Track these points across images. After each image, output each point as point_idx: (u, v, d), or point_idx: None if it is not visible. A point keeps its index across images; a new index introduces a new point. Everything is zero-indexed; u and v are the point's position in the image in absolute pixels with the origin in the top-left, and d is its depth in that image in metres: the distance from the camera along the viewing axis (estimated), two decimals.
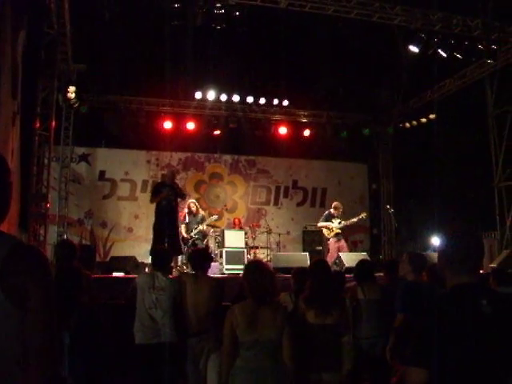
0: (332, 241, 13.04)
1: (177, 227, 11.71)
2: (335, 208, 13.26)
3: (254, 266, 4.84)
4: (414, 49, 12.40)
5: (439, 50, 12.19)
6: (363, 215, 13.33)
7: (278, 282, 4.95)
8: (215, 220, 13.41)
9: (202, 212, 12.69)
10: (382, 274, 8.38)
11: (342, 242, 13.08)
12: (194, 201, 12.79)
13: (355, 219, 13.29)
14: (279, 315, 4.51)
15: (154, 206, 11.74)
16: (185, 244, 12.04)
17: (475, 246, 2.92)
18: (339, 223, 12.99)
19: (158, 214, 11.42)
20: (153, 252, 7.41)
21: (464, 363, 2.56)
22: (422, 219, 15.33)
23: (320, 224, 13.31)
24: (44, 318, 2.11)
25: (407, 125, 17.03)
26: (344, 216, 14.00)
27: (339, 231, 13.03)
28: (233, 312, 4.52)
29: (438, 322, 2.63)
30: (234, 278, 9.27)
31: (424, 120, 16.41)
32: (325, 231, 13.10)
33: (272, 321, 4.45)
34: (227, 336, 4.48)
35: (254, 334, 4.38)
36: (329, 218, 13.14)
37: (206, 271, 6.66)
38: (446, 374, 2.59)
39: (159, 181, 14.17)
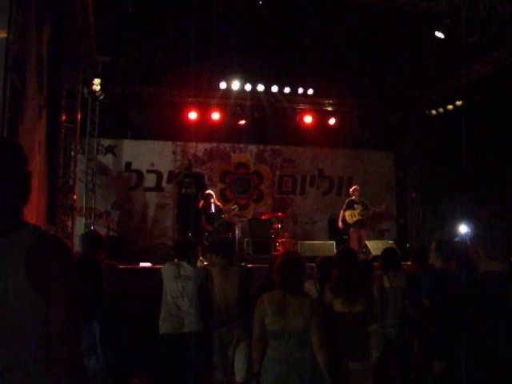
0: (353, 230, 13.08)
1: (200, 217, 11.76)
2: (352, 192, 13.35)
3: (290, 258, 4.84)
4: (439, 34, 12.27)
5: (466, 35, 12.04)
6: (384, 205, 13.38)
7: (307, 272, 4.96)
8: (237, 210, 13.44)
9: (218, 203, 12.70)
10: (409, 263, 8.36)
11: (363, 232, 13.09)
12: (211, 192, 12.79)
13: (380, 206, 13.32)
14: (307, 305, 4.51)
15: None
16: (209, 235, 12.07)
17: (505, 229, 2.79)
18: (362, 210, 13.05)
19: (180, 203, 11.49)
20: (177, 242, 7.44)
21: (489, 355, 2.52)
22: (449, 207, 15.19)
23: (341, 212, 13.47)
24: (66, 306, 2.15)
25: (433, 112, 16.87)
26: (370, 204, 13.99)
27: (361, 217, 13.05)
28: (262, 301, 4.54)
29: (464, 311, 2.59)
30: (260, 267, 9.26)
31: (451, 107, 16.23)
32: (347, 217, 13.13)
33: (299, 310, 4.46)
34: (257, 325, 4.51)
35: (281, 322, 4.39)
36: (350, 205, 13.20)
37: (232, 260, 6.67)
38: (472, 363, 2.55)
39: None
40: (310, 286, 6.08)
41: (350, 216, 13.13)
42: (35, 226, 2.23)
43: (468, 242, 2.95)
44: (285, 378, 4.32)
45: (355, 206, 13.22)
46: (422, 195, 17.45)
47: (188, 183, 11.65)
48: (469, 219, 13.21)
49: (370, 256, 11.35)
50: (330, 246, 11.96)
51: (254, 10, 11.49)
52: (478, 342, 2.52)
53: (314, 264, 6.71)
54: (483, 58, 13.98)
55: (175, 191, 11.96)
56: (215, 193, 13.41)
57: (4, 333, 2.03)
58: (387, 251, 7.40)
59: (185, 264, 6.42)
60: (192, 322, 6.23)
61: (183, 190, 11.61)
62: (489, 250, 2.72)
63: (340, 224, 13.43)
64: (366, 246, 12.33)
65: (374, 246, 11.84)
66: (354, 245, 12.53)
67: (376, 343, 5.46)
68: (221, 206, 12.87)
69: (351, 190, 13.80)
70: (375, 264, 8.17)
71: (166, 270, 6.50)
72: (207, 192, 12.69)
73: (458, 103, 15.97)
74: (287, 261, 4.71)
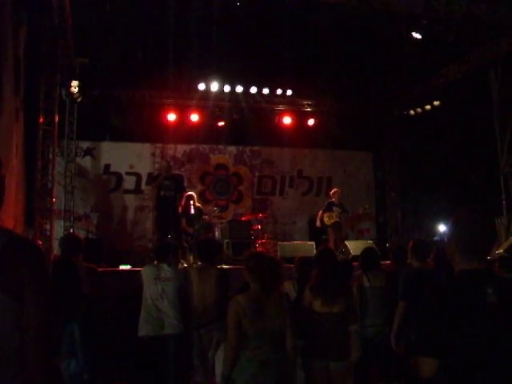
0: (330, 231, 13.16)
1: (179, 219, 11.75)
2: (332, 195, 13.44)
3: (258, 255, 4.84)
4: (416, 35, 12.35)
5: (442, 36, 12.12)
6: (361, 210, 13.56)
7: (284, 271, 4.95)
8: (218, 212, 13.43)
9: (198, 204, 12.64)
10: (388, 262, 8.40)
11: (340, 234, 13.18)
12: (193, 193, 12.73)
13: (360, 210, 13.50)
14: (284, 304, 4.51)
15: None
16: (189, 237, 12.04)
17: (486, 228, 2.84)
18: (340, 213, 13.14)
19: (159, 205, 11.48)
20: (157, 245, 7.43)
21: (468, 353, 2.53)
22: (428, 207, 15.31)
23: (320, 213, 13.48)
24: (40, 311, 2.13)
25: (412, 112, 16.97)
26: (350, 204, 14.07)
27: (339, 220, 13.12)
28: (238, 302, 4.49)
29: (441, 310, 2.60)
30: (240, 268, 9.26)
31: (428, 107, 16.34)
32: (325, 219, 13.18)
33: (277, 310, 4.45)
34: (233, 327, 4.45)
35: (261, 323, 4.37)
36: (329, 207, 13.26)
37: (212, 262, 6.65)
38: (452, 362, 2.56)
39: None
40: (288, 286, 6.08)
41: (328, 218, 13.16)
42: (6, 229, 2.21)
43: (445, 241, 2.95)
44: (258, 378, 4.30)
45: (334, 208, 13.26)
46: (400, 195, 17.56)
47: (167, 186, 11.63)
48: (447, 218, 13.30)
49: (350, 256, 11.39)
50: (310, 247, 11.98)
51: (231, 12, 11.48)
52: (457, 340, 2.53)
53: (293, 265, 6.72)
54: (460, 58, 14.09)
55: (154, 194, 11.94)
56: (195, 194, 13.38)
57: None
58: (367, 251, 7.43)
59: (165, 266, 6.43)
60: (172, 324, 6.23)
61: (162, 193, 11.59)
62: (467, 248, 2.73)
63: (318, 223, 13.47)
64: (345, 245, 12.39)
65: (354, 246, 11.88)
66: (331, 246, 12.56)
67: (356, 343, 5.48)
68: (201, 207, 12.83)
69: (331, 192, 13.85)
70: (354, 264, 8.20)
71: (146, 272, 6.50)
72: (188, 193, 12.63)
73: (436, 103, 16.08)
74: (263, 260, 4.70)
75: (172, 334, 6.20)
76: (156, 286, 6.31)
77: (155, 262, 6.64)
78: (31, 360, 2.12)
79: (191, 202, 12.25)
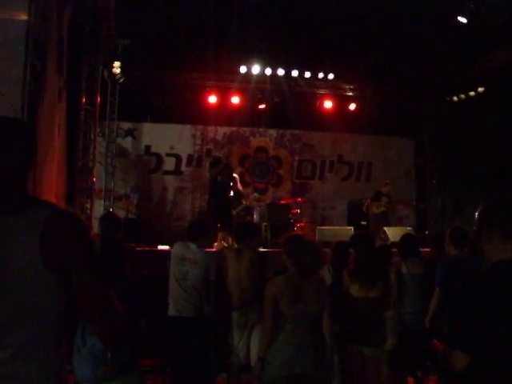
0: (376, 220, 13.23)
1: (230, 205, 11.78)
2: (384, 185, 13.45)
3: (297, 239, 4.83)
4: (462, 19, 12.13)
5: (489, 20, 11.89)
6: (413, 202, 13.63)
7: (323, 256, 4.94)
8: (257, 197, 13.42)
9: (240, 187, 12.64)
10: (428, 250, 8.32)
11: (384, 225, 13.19)
12: (236, 176, 12.74)
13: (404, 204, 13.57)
14: (322, 288, 4.50)
15: (201, 180, 11.89)
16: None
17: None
18: (387, 203, 13.18)
19: (216, 190, 11.55)
20: (190, 223, 7.35)
21: (506, 345, 2.47)
22: (468, 195, 15.09)
23: (368, 201, 13.73)
24: (96, 279, 2.17)
25: (455, 98, 16.71)
26: (393, 191, 14.03)
27: (385, 209, 13.16)
28: (275, 284, 4.50)
29: (479, 302, 2.54)
30: (278, 251, 9.27)
31: (472, 93, 16.06)
32: (374, 207, 13.25)
33: (315, 294, 4.45)
34: (269, 308, 4.47)
35: (297, 306, 4.37)
36: (378, 196, 13.33)
37: (248, 244, 6.63)
38: (489, 354, 2.51)
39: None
40: (324, 271, 6.06)
41: (376, 207, 13.25)
42: (47, 201, 2.22)
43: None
44: (295, 361, 4.30)
45: (382, 198, 13.35)
46: (441, 182, 17.33)
47: (224, 172, 11.73)
48: None
49: (389, 242, 11.30)
50: (348, 232, 11.87)
51: None
52: (494, 334, 2.48)
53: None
54: (506, 43, 13.79)
55: (210, 178, 12.03)
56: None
57: (18, 312, 2.02)
58: (406, 237, 7.37)
59: (194, 246, 6.40)
60: (196, 306, 6.21)
61: (219, 178, 11.64)
62: (500, 238, 2.66)
63: (364, 209, 13.59)
64: (384, 232, 12.29)
65: (393, 233, 11.78)
66: (374, 232, 12.58)
67: (392, 329, 5.43)
68: (242, 191, 12.81)
69: (384, 182, 14.05)
70: (393, 250, 8.13)
71: (175, 250, 6.50)
72: (233, 175, 12.66)
73: (481, 90, 15.80)
74: (304, 245, 4.69)
75: (195, 317, 6.19)
76: (182, 266, 6.30)
77: (186, 241, 6.60)
78: (99, 334, 2.25)
79: (232, 184, 12.27)
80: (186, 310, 6.23)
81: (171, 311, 6.31)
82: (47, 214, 2.08)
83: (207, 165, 13.78)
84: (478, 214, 2.83)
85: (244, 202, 12.45)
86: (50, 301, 2.07)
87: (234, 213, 12.08)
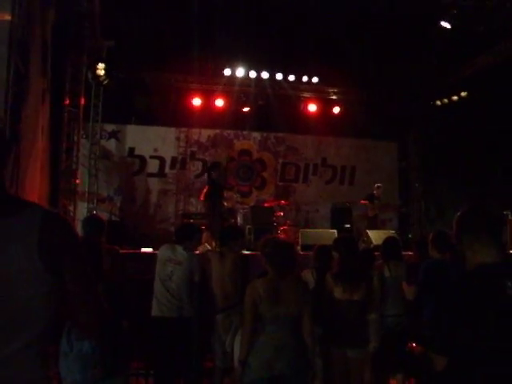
0: (370, 221, 13.42)
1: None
2: (378, 190, 13.65)
3: (273, 241, 4.86)
4: (445, 24, 12.22)
5: (472, 25, 12.00)
6: (403, 209, 13.70)
7: (304, 259, 4.96)
8: (239, 198, 13.45)
9: None
10: (411, 253, 8.36)
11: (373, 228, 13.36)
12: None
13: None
14: (300, 289, 4.52)
15: (192, 183, 12.03)
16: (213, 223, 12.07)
17: (496, 221, 2.83)
18: (380, 206, 13.50)
19: (216, 193, 11.61)
20: (178, 225, 7.40)
21: (488, 349, 2.50)
22: (451, 198, 15.18)
23: (362, 201, 14.07)
24: (85, 274, 2.23)
25: (438, 102, 16.83)
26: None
27: (377, 213, 13.34)
28: (254, 287, 4.53)
29: (460, 305, 2.57)
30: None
31: (455, 98, 16.18)
32: (368, 209, 13.44)
33: (294, 295, 4.46)
34: (249, 311, 4.50)
35: (276, 308, 4.40)
36: (371, 198, 13.45)
37: (232, 247, 6.65)
38: (469, 359, 2.54)
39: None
40: (307, 275, 6.09)
41: (371, 209, 13.50)
42: (36, 204, 2.23)
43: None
44: (273, 363, 4.32)
45: (375, 201, 13.53)
46: (424, 186, 17.44)
47: (223, 176, 11.88)
48: None
49: (371, 245, 11.36)
50: (332, 235, 11.91)
51: None
52: (475, 336, 2.51)
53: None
54: (489, 48, 13.91)
55: (208, 181, 12.13)
56: None
57: (14, 315, 2.02)
58: (388, 241, 7.41)
59: (179, 248, 6.45)
60: (181, 307, 6.24)
61: (217, 182, 11.73)
62: (479, 242, 2.72)
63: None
64: (367, 235, 12.35)
65: (376, 236, 11.84)
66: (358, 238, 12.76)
67: (375, 332, 5.47)
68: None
69: (376, 185, 14.25)
70: (376, 253, 8.17)
71: (161, 251, 6.56)
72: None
73: (463, 94, 15.92)
74: (270, 243, 4.72)
75: (178, 317, 6.23)
76: (166, 267, 6.36)
77: (173, 243, 6.64)
78: (86, 326, 2.26)
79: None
80: (169, 311, 6.25)
81: (154, 311, 6.34)
82: (41, 216, 2.09)
83: (207, 168, 13.74)
84: (457, 221, 2.88)
85: (226, 204, 12.48)
86: (46, 302, 2.08)
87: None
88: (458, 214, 2.89)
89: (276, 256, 4.60)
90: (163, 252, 6.51)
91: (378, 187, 13.97)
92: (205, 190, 11.84)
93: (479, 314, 2.51)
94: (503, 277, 2.56)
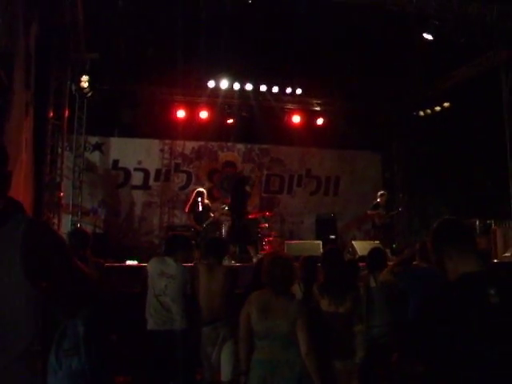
0: (382, 230, 13.42)
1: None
2: (382, 198, 13.57)
3: (271, 256, 4.85)
4: (428, 36, 12.32)
5: (453, 37, 12.11)
6: (399, 210, 13.59)
7: (296, 273, 4.96)
8: (227, 210, 13.43)
9: (207, 201, 12.70)
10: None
11: (390, 235, 13.41)
12: (203, 190, 12.81)
13: (392, 213, 13.67)
14: (292, 307, 4.51)
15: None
16: (197, 234, 12.07)
17: (469, 231, 2.99)
18: (386, 213, 13.36)
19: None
20: (169, 237, 7.31)
21: (473, 357, 2.53)
22: (436, 208, 15.27)
23: (369, 211, 13.96)
24: (71, 261, 2.24)
25: (421, 113, 16.96)
26: (356, 204, 14.15)
27: (386, 221, 13.32)
28: (249, 300, 4.55)
29: (444, 315, 2.61)
30: (247, 266, 9.27)
31: (438, 108, 16.32)
32: (376, 219, 13.52)
33: (285, 312, 4.45)
34: (243, 324, 4.51)
35: (266, 323, 4.39)
36: (376, 207, 13.44)
37: (220, 260, 6.65)
38: (455, 370, 2.57)
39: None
40: (294, 287, 6.07)
41: (379, 218, 13.41)
42: (20, 213, 2.22)
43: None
44: (269, 380, 4.32)
45: (380, 209, 13.47)
46: (408, 196, 17.53)
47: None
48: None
49: (357, 256, 11.37)
50: (317, 246, 11.95)
51: (243, 9, 11.48)
52: (458, 343, 2.54)
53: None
54: (471, 60, 14.04)
55: (248, 195, 12.74)
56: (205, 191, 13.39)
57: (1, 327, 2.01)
58: (374, 251, 7.42)
59: (171, 261, 6.39)
60: (175, 320, 6.20)
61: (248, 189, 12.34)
62: (461, 252, 2.81)
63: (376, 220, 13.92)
64: (352, 245, 12.37)
65: (361, 246, 11.87)
66: (384, 245, 12.74)
67: (361, 343, 5.47)
68: (209, 204, 12.84)
69: (379, 193, 14.20)
70: (361, 264, 8.19)
71: (152, 265, 6.47)
72: (198, 190, 12.73)
73: (446, 104, 16.05)
74: (275, 261, 4.71)
75: (174, 330, 6.18)
76: (160, 281, 6.28)
77: (163, 256, 6.59)
78: (71, 294, 2.27)
79: (199, 199, 12.29)
80: (163, 324, 6.20)
81: (150, 325, 6.27)
82: (24, 226, 2.08)
83: (239, 181, 13.76)
84: (432, 235, 2.98)
85: (212, 215, 12.49)
86: (29, 315, 2.06)
87: (199, 227, 12.13)
88: (432, 228, 3.00)
89: (272, 272, 4.60)
90: (154, 266, 6.45)
91: (382, 195, 13.92)
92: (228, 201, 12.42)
93: (464, 323, 2.54)
94: (485, 285, 2.61)
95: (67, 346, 4.24)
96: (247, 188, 12.28)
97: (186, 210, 12.84)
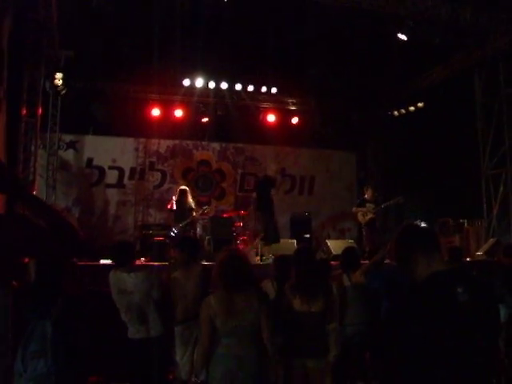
0: (366, 228, 13.25)
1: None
2: (368, 192, 13.44)
3: (222, 254, 4.86)
4: (402, 36, 12.41)
5: (428, 38, 12.22)
6: (399, 198, 13.40)
7: (264, 268, 4.95)
8: (207, 210, 13.42)
9: (190, 200, 12.65)
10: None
11: (375, 230, 13.29)
12: (187, 188, 12.78)
13: (391, 201, 13.40)
14: (254, 300, 4.52)
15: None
16: (174, 233, 12.02)
17: (432, 234, 3.06)
18: (374, 208, 13.15)
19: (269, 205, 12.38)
20: (114, 248, 6.84)
21: (442, 354, 2.56)
22: (409, 207, 15.38)
23: (354, 209, 13.64)
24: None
25: (395, 113, 17.07)
26: (331, 204, 14.09)
27: (373, 216, 13.14)
28: (209, 303, 4.54)
29: (414, 314, 2.65)
30: None
31: (412, 108, 16.44)
32: (359, 216, 13.25)
33: (248, 306, 4.46)
34: (204, 327, 4.51)
35: (233, 321, 4.40)
36: (362, 203, 13.31)
37: (195, 259, 6.62)
38: (426, 367, 2.60)
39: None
40: (267, 285, 6.09)
41: (363, 215, 13.23)
42: None
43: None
44: (234, 374, 4.33)
45: (367, 204, 13.29)
46: (383, 195, 17.61)
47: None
48: (429, 219, 13.39)
49: (331, 255, 11.42)
50: (291, 245, 11.97)
51: (218, 8, 11.47)
52: (429, 340, 2.57)
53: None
54: (445, 60, 14.17)
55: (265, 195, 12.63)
56: (175, 189, 13.30)
57: None
58: (347, 250, 7.46)
59: (124, 275, 6.14)
60: (147, 328, 6.08)
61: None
62: (429, 252, 2.89)
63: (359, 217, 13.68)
64: (326, 245, 12.41)
65: (335, 246, 11.91)
66: (367, 243, 12.74)
67: (334, 341, 5.49)
68: (193, 203, 12.77)
69: (364, 188, 14.05)
70: (334, 263, 8.23)
71: (111, 280, 6.20)
72: (182, 188, 12.70)
73: (420, 105, 16.18)
74: (224, 261, 4.71)
75: (150, 338, 6.07)
76: (121, 299, 6.10)
77: (115, 270, 6.27)
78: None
79: (183, 198, 12.28)
80: (139, 333, 6.09)
81: (130, 333, 6.14)
82: None
83: (263, 180, 13.70)
84: (397, 240, 3.09)
85: (194, 214, 12.46)
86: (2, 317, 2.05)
87: (178, 226, 12.07)
88: (397, 234, 3.12)
89: (223, 269, 4.61)
90: (114, 281, 6.12)
91: (367, 189, 13.70)
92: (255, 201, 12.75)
93: (434, 321, 2.58)
94: (453, 284, 2.67)
95: (34, 347, 4.17)
96: (272, 188, 12.31)
97: (169, 207, 12.76)
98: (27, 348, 3.81)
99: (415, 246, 2.91)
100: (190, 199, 12.54)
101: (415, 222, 3.00)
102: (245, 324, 4.42)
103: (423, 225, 3.28)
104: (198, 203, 13.99)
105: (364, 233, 13.61)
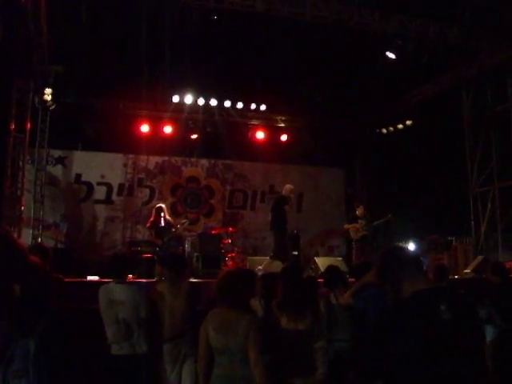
0: (357, 245, 13.24)
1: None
2: (359, 209, 13.43)
3: (224, 272, 4.85)
4: (390, 55, 12.51)
5: (415, 56, 12.31)
6: (390, 216, 13.41)
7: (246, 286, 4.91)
8: (188, 224, 13.39)
9: (168, 217, 12.63)
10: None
11: (366, 246, 13.28)
12: (163, 205, 12.75)
13: (382, 220, 13.43)
14: (244, 321, 4.47)
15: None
16: (159, 249, 11.98)
17: (416, 256, 3.20)
18: (365, 225, 13.14)
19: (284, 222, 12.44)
20: (111, 259, 6.84)
21: (424, 372, 2.57)
22: (398, 224, 15.41)
23: (346, 225, 13.68)
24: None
25: (384, 130, 17.15)
26: (319, 220, 14.08)
27: (365, 233, 13.15)
28: (206, 319, 4.53)
29: (396, 331, 2.66)
30: (209, 282, 9.24)
31: (401, 126, 16.52)
32: (351, 233, 13.24)
33: (236, 326, 4.43)
34: (201, 342, 4.48)
35: (222, 340, 4.37)
36: (354, 220, 13.31)
37: (182, 276, 6.58)
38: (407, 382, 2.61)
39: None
40: (254, 303, 6.05)
41: (355, 231, 13.22)
42: None
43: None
44: None
45: (359, 221, 13.31)
46: (371, 212, 17.64)
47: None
48: (416, 236, 13.43)
49: (319, 272, 11.41)
50: (279, 263, 11.97)
51: (208, 25, 11.52)
52: (412, 359, 2.58)
53: None
54: (433, 78, 14.26)
55: (280, 212, 12.57)
56: (166, 206, 13.28)
57: None
58: (330, 269, 7.43)
59: (117, 287, 6.11)
60: (135, 343, 6.02)
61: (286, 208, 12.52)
62: (414, 271, 2.96)
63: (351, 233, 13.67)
64: (315, 262, 12.41)
65: (323, 263, 11.89)
66: (356, 259, 12.75)
67: (322, 359, 5.47)
68: (171, 220, 12.78)
69: (355, 205, 14.12)
70: (322, 280, 8.21)
71: (101, 293, 6.10)
72: (158, 205, 12.67)
73: (408, 122, 16.26)
74: (225, 276, 4.70)
75: (135, 354, 6.00)
76: (111, 310, 6.01)
77: (109, 284, 6.23)
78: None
79: (162, 214, 12.23)
80: (125, 349, 6.02)
81: (113, 350, 6.08)
82: None
83: (287, 202, 13.56)
84: (382, 261, 3.16)
85: (174, 230, 12.43)
86: None
87: (161, 242, 12.04)
88: (381, 255, 3.20)
89: (222, 287, 4.59)
90: (103, 294, 6.09)
91: (358, 206, 13.76)
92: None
93: (416, 339, 2.59)
94: (436, 302, 2.70)
95: (16, 366, 4.12)
96: (286, 207, 12.33)
97: (147, 225, 12.77)
98: (9, 367, 3.75)
99: (399, 269, 2.95)
100: (167, 216, 12.52)
101: (399, 244, 3.08)
102: (233, 345, 4.39)
103: (406, 246, 3.32)
104: (184, 218, 13.99)
105: (354, 249, 13.57)
